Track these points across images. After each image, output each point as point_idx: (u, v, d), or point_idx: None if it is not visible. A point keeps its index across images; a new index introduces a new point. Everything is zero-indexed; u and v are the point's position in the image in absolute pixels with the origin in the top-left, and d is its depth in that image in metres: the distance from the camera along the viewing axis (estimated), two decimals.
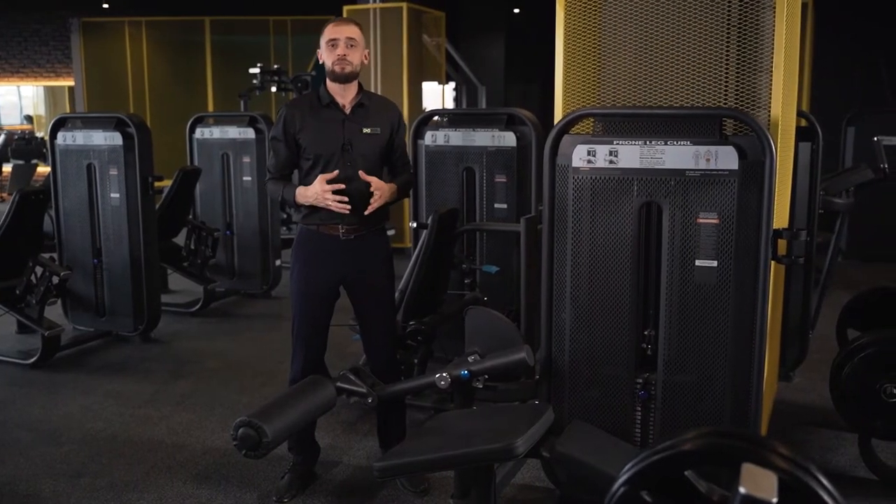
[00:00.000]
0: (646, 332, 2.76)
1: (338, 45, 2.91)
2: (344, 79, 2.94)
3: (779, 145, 2.60)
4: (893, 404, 2.99)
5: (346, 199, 2.85)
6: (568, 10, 2.87)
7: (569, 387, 2.85)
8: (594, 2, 2.86)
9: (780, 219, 2.90)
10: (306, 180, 2.96)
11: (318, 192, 2.85)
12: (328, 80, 2.99)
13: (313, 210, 2.95)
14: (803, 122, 4.00)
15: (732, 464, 1.16)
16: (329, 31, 2.94)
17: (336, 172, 2.89)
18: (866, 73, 10.03)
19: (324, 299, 3.04)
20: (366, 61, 3.01)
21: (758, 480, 1.09)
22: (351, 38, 2.92)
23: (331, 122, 2.97)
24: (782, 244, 2.68)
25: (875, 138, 4.91)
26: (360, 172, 2.91)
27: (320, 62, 2.99)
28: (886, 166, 4.66)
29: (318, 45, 3.00)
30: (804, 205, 3.98)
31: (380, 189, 2.91)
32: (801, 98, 3.41)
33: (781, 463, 1.16)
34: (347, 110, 2.98)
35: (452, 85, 12.62)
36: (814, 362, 4.33)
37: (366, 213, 2.93)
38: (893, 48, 9.83)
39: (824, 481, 1.17)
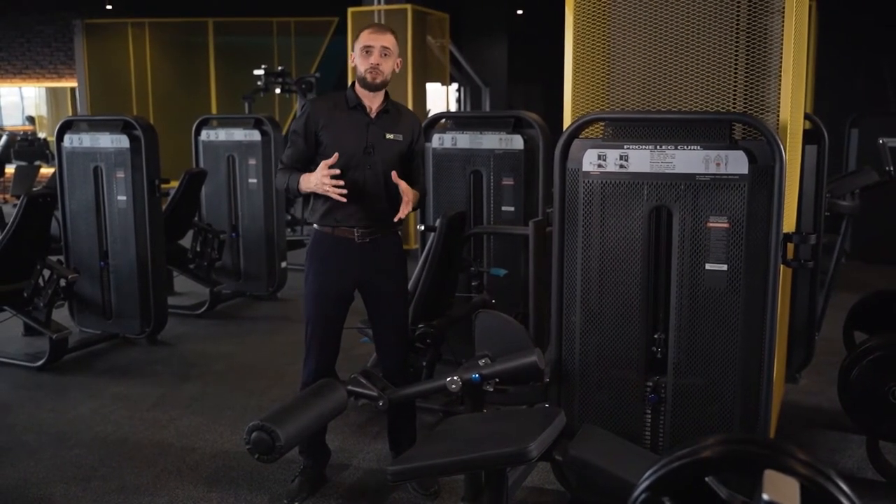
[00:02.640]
0: (656, 336, 2.77)
1: (372, 52, 2.91)
2: (374, 88, 2.95)
3: (787, 149, 2.61)
4: None
5: (343, 188, 2.80)
6: (577, 14, 2.89)
7: (579, 390, 2.86)
8: (603, 6, 2.87)
9: (788, 222, 2.91)
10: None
11: (318, 178, 2.83)
12: (359, 85, 2.98)
13: (328, 212, 2.96)
14: (808, 125, 4.02)
15: (754, 471, 1.17)
16: (364, 38, 2.93)
17: (336, 156, 2.85)
18: (869, 75, 10.04)
19: (338, 302, 3.06)
20: (397, 69, 3.01)
21: (780, 487, 1.10)
22: (386, 48, 2.92)
23: (356, 124, 2.97)
24: (790, 247, 2.70)
25: (880, 141, 4.92)
26: (393, 174, 2.91)
27: (352, 65, 2.99)
28: (892, 168, 4.67)
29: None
30: (810, 207, 4.00)
31: (407, 193, 2.91)
32: (804, 100, 3.41)
33: (803, 469, 1.18)
34: (373, 114, 2.99)
35: (455, 86, 12.63)
36: (820, 364, 4.34)
37: (395, 219, 2.94)
38: None
39: (845, 487, 1.18)
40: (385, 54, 2.92)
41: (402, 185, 2.91)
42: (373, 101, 2.99)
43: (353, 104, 2.99)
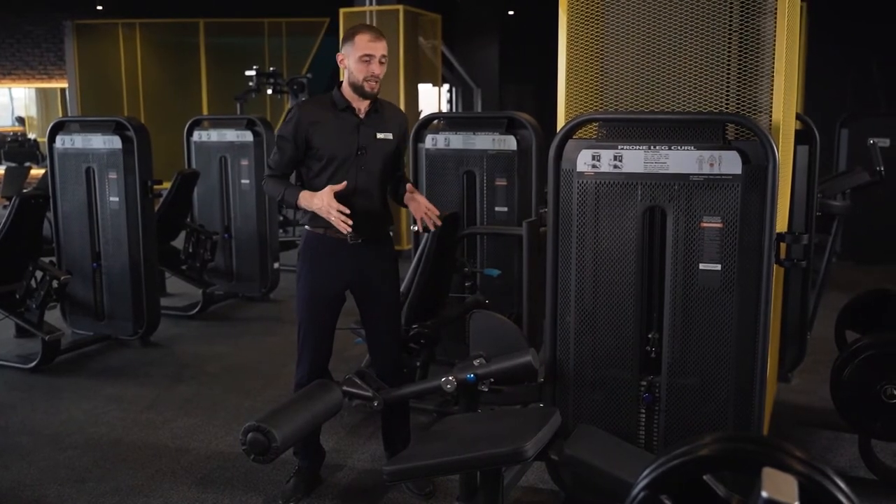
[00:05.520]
0: (650, 336, 2.78)
1: (372, 62, 2.88)
2: (372, 97, 2.95)
3: (780, 149, 2.63)
4: (893, 405, 3.02)
5: (348, 217, 2.78)
6: (570, 14, 2.90)
7: (573, 390, 2.86)
8: (596, 7, 2.88)
9: (780, 222, 2.93)
10: (315, 181, 2.95)
11: (324, 203, 2.80)
12: (350, 89, 2.95)
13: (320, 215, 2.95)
14: (799, 125, 4.04)
15: (752, 468, 1.18)
16: (363, 45, 2.87)
17: (345, 184, 2.87)
18: (859, 75, 10.09)
19: (330, 304, 3.05)
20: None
21: (779, 484, 1.11)
22: (384, 56, 2.91)
23: (346, 126, 2.96)
24: (782, 247, 2.71)
25: (871, 141, 4.96)
26: (408, 186, 3.06)
27: (343, 68, 2.95)
28: (882, 169, 4.71)
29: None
30: (802, 207, 4.02)
31: (417, 198, 3.04)
32: (796, 101, 3.44)
33: (800, 467, 1.19)
34: (362, 115, 2.99)
35: (447, 87, 12.64)
36: (812, 363, 4.36)
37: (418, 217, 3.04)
38: (886, 50, 9.90)
39: (841, 484, 1.19)
40: (382, 62, 2.92)
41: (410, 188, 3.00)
42: (361, 102, 2.98)
43: (342, 106, 2.97)
